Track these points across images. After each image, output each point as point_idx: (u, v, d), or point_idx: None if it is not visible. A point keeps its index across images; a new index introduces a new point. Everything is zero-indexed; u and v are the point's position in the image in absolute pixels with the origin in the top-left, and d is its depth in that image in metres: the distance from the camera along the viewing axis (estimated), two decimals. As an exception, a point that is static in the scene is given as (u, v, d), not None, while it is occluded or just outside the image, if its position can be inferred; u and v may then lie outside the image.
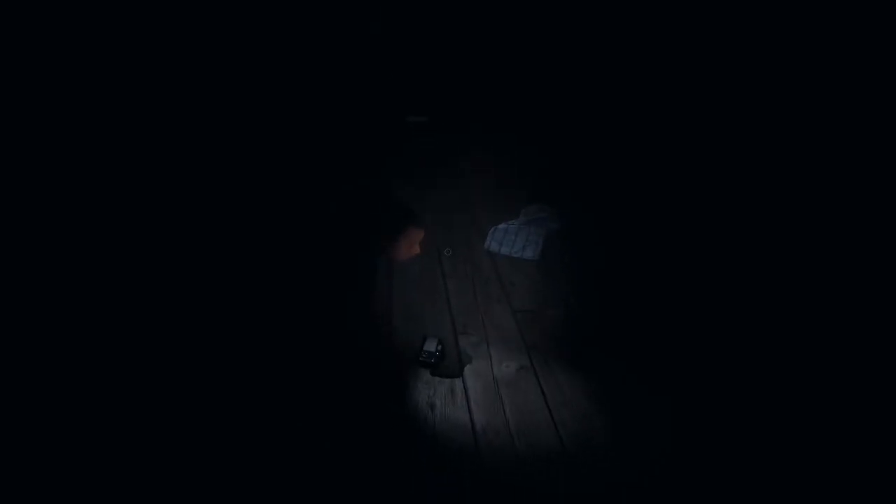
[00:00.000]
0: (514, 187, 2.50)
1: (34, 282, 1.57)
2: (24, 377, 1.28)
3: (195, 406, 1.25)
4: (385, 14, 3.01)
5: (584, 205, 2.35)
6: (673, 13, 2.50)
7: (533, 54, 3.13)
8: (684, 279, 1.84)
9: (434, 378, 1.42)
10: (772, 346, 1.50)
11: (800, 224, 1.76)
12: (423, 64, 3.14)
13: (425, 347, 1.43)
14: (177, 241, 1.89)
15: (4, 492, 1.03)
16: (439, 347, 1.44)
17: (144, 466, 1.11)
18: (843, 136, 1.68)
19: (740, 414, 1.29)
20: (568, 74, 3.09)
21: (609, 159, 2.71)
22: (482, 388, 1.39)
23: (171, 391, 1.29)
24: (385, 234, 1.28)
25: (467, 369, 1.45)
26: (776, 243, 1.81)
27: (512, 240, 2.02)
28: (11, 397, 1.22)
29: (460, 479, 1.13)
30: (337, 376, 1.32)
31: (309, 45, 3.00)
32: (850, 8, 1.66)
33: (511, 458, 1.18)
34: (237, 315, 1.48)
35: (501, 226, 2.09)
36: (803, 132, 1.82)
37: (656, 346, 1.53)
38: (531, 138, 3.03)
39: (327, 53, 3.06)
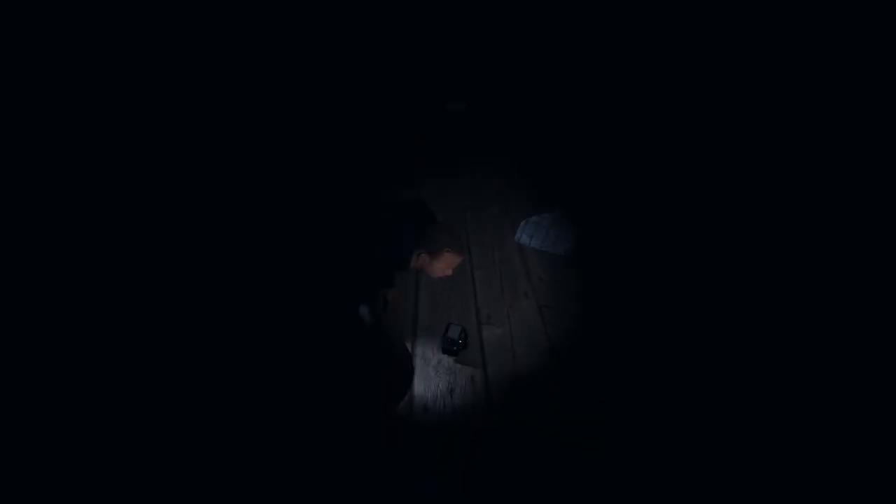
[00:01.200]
0: (516, 188, 2.51)
1: (36, 282, 1.57)
2: (25, 377, 1.28)
3: (196, 406, 1.25)
4: (385, 14, 3.01)
5: (584, 205, 2.34)
6: (675, 15, 2.50)
7: (534, 54, 3.13)
8: (689, 282, 1.84)
9: (456, 366, 1.44)
10: (779, 348, 1.50)
11: (802, 227, 1.76)
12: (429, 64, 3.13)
13: (449, 335, 1.45)
14: (178, 241, 1.89)
15: (5, 492, 1.03)
16: (462, 335, 1.45)
17: (145, 466, 1.11)
18: (843, 139, 1.68)
19: (748, 410, 1.30)
20: (569, 75, 3.09)
21: (610, 160, 2.71)
22: (503, 380, 1.41)
23: (172, 391, 1.29)
24: (422, 251, 1.25)
25: (489, 360, 1.47)
26: (778, 244, 1.81)
27: (543, 234, 1.94)
28: (13, 397, 1.22)
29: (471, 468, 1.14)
30: (338, 377, 1.32)
31: (309, 45, 3.00)
32: (849, 8, 1.66)
33: (528, 445, 1.21)
34: (238, 316, 1.48)
35: (533, 218, 2.02)
36: (806, 140, 1.81)
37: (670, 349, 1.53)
38: (531, 138, 3.04)
39: (327, 53, 3.05)
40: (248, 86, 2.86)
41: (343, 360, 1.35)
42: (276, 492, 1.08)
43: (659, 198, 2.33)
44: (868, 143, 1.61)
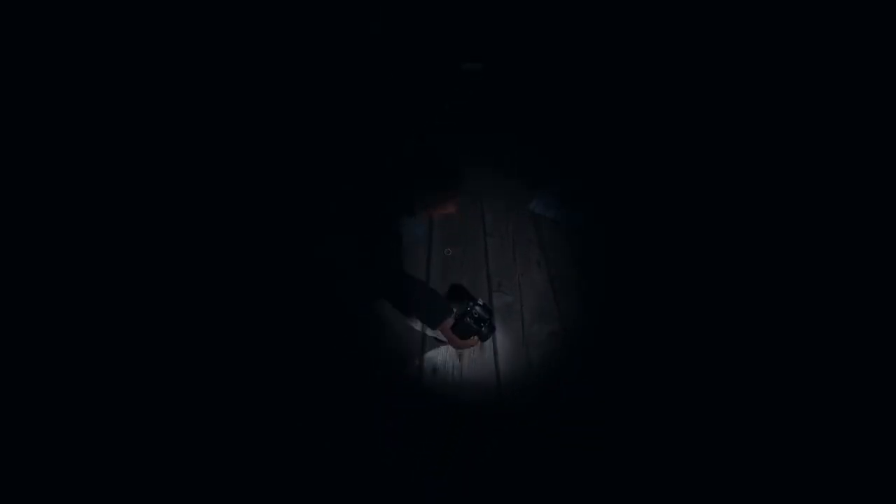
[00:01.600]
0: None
1: (34, 282, 1.56)
2: (23, 377, 1.28)
3: (196, 406, 1.25)
4: (385, 14, 3.00)
5: (584, 206, 2.34)
6: (675, 12, 2.50)
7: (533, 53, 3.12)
8: (690, 282, 1.84)
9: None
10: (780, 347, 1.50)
11: (801, 224, 1.76)
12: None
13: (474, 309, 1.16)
14: (176, 241, 1.89)
15: (4, 492, 1.03)
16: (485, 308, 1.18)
17: (144, 466, 1.11)
18: (843, 137, 1.68)
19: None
20: (568, 73, 3.08)
21: (612, 161, 2.70)
22: (511, 348, 1.44)
23: (171, 392, 1.29)
24: (420, 187, 1.25)
25: (498, 328, 1.48)
26: (785, 244, 1.80)
27: (559, 204, 1.93)
28: (12, 397, 1.22)
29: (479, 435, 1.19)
30: (338, 376, 1.32)
31: (308, 45, 3.00)
32: (849, 8, 1.66)
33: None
34: (238, 315, 1.47)
35: (550, 189, 2.01)
36: (803, 132, 1.81)
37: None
38: (531, 138, 3.03)
39: (327, 52, 3.05)
40: (247, 85, 2.86)
41: (343, 360, 1.35)
42: (277, 492, 1.08)
43: (663, 198, 2.32)
44: (871, 140, 1.61)
